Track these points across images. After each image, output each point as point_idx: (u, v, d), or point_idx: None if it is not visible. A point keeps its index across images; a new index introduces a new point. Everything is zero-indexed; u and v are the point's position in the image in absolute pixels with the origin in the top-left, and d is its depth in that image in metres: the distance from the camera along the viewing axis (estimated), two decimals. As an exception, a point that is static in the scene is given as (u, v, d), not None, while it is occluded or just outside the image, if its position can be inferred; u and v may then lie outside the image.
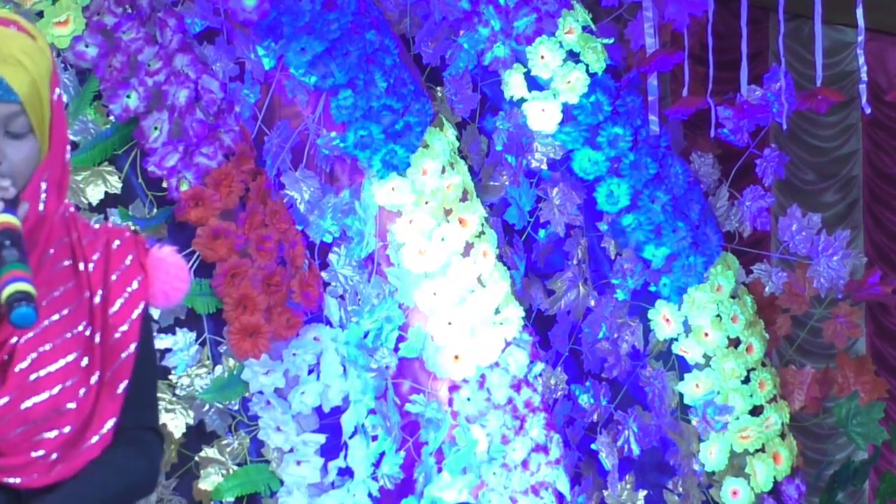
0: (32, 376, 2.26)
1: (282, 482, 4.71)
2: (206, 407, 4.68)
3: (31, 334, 2.27)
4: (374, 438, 4.78)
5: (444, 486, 4.83)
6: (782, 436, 5.34)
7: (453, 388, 4.88)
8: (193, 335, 4.62)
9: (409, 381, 4.92)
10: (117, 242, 2.39)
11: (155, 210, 4.68)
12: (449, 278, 4.88)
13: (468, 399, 4.87)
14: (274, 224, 4.69)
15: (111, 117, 4.61)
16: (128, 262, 2.38)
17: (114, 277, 2.36)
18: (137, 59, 4.61)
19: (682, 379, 5.29)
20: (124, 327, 2.36)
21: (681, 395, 5.29)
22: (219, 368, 4.67)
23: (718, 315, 5.29)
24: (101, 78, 4.57)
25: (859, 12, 4.49)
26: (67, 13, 4.55)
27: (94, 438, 2.31)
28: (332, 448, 4.74)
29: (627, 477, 5.32)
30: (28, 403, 2.25)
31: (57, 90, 2.31)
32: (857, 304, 5.69)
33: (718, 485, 5.28)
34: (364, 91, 4.84)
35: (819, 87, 4.96)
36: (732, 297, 5.36)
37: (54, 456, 2.28)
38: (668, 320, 5.27)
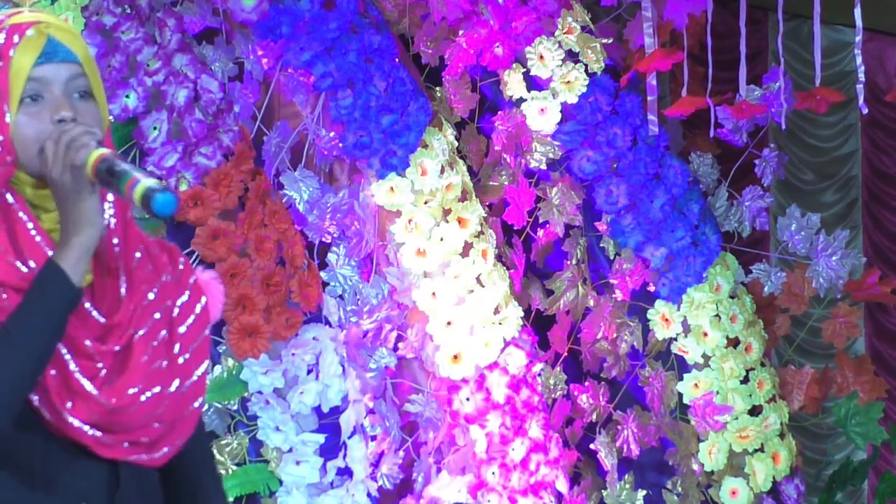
0: (149, 370, 2.33)
1: (281, 482, 4.72)
2: (206, 407, 4.68)
3: (143, 330, 2.33)
4: (373, 438, 4.78)
5: (444, 486, 4.83)
6: (781, 436, 5.34)
7: (453, 388, 4.88)
8: (192, 335, 4.62)
9: (409, 381, 4.92)
10: (182, 260, 2.46)
11: (154, 210, 4.67)
12: (448, 278, 4.88)
13: (467, 399, 4.87)
14: (273, 224, 4.69)
15: (110, 117, 4.61)
16: (192, 281, 2.45)
17: (185, 296, 2.43)
18: (136, 59, 4.61)
19: (681, 379, 5.29)
20: (196, 344, 2.42)
21: (680, 395, 5.29)
22: (218, 368, 4.68)
23: (717, 315, 5.29)
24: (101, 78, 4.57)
25: (858, 12, 4.49)
26: (66, 13, 4.55)
27: (166, 449, 2.37)
28: (331, 448, 4.75)
29: (626, 477, 5.32)
30: (148, 394, 2.32)
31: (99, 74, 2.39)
32: (856, 304, 5.69)
33: (717, 484, 5.28)
34: (363, 91, 4.84)
35: (818, 87, 4.95)
36: (731, 296, 5.36)
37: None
38: (667, 320, 5.27)
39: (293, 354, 4.71)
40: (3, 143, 2.28)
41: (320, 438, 4.72)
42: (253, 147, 4.77)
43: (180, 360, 2.38)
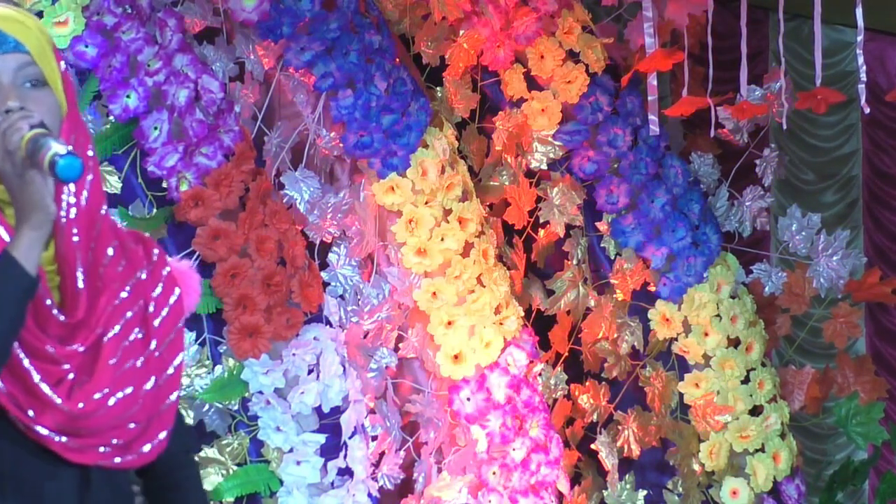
0: (118, 372, 2.32)
1: (281, 482, 4.71)
2: (206, 407, 4.68)
3: (117, 328, 2.32)
4: (374, 438, 4.78)
5: (444, 487, 4.83)
6: (782, 436, 5.34)
7: (453, 388, 4.88)
8: (193, 335, 4.62)
9: (409, 381, 4.92)
10: (156, 252, 2.45)
11: (155, 210, 4.68)
12: (449, 278, 4.88)
13: (468, 399, 4.87)
14: (274, 224, 4.69)
15: (111, 117, 4.61)
16: (165, 273, 2.44)
17: (159, 288, 2.42)
18: (137, 59, 4.61)
19: (682, 379, 5.30)
20: (171, 337, 2.42)
21: (681, 395, 5.29)
22: (218, 368, 4.67)
23: (718, 315, 5.29)
24: (101, 78, 4.57)
25: (859, 12, 4.48)
26: (67, 13, 4.55)
27: (147, 447, 2.37)
28: (332, 448, 4.75)
29: (627, 477, 5.33)
30: (118, 396, 2.31)
31: (62, 63, 2.38)
32: (856, 304, 5.69)
33: (718, 485, 5.28)
34: (364, 91, 4.84)
35: (819, 87, 4.95)
36: (732, 296, 5.36)
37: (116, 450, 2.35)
38: (667, 320, 5.27)
39: (294, 354, 4.70)
40: None
41: (321, 438, 4.72)
42: (254, 147, 4.77)
43: (156, 355, 2.37)
